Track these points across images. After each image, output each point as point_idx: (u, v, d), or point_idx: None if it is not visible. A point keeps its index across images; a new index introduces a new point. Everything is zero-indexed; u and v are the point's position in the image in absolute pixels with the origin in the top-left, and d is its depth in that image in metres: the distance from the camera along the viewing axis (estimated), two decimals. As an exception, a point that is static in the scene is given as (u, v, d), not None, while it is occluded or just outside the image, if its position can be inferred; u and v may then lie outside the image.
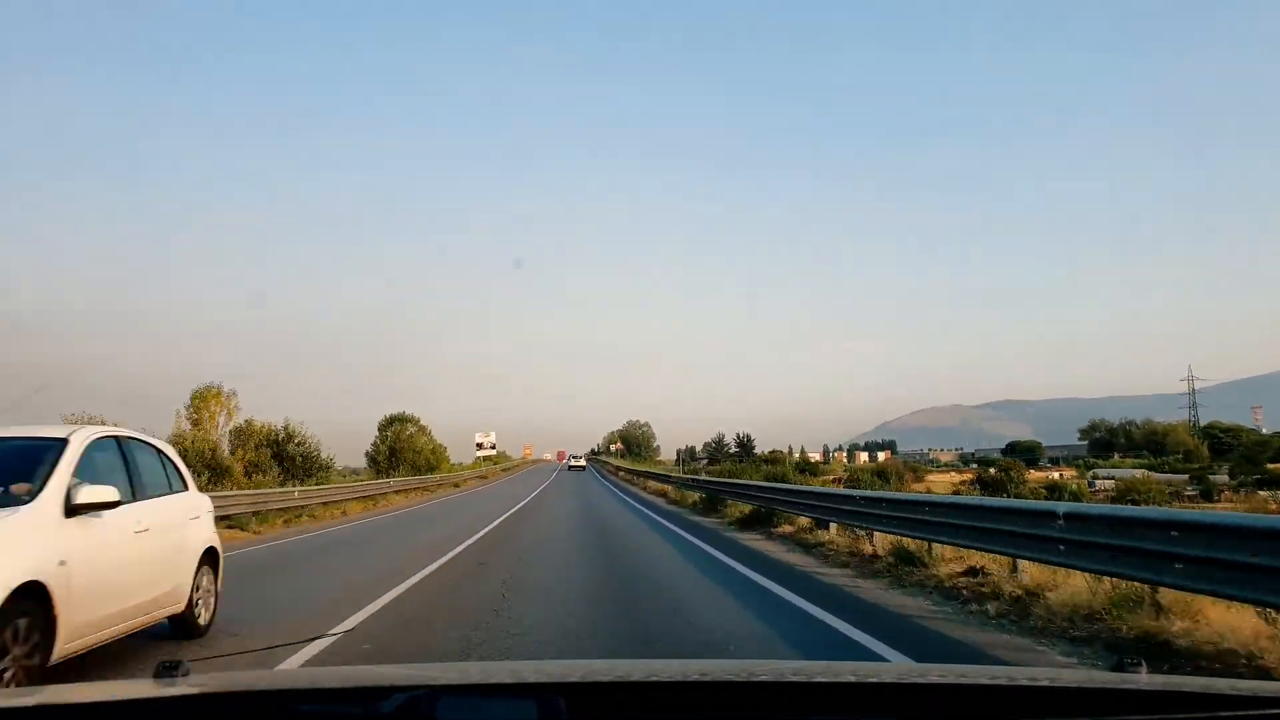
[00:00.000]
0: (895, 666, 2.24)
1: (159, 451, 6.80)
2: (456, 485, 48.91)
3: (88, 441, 5.47)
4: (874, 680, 1.74)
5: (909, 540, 10.21)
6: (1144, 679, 1.59)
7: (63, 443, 5.25)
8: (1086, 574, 6.99)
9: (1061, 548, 6.98)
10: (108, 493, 5.11)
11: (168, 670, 1.73)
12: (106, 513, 5.16)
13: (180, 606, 6.40)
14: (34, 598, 4.31)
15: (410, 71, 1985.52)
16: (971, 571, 8.88)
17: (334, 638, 6.64)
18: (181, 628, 6.57)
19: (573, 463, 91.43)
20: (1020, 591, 7.70)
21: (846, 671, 1.84)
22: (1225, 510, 29.76)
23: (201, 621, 6.78)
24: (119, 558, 5.39)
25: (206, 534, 7.09)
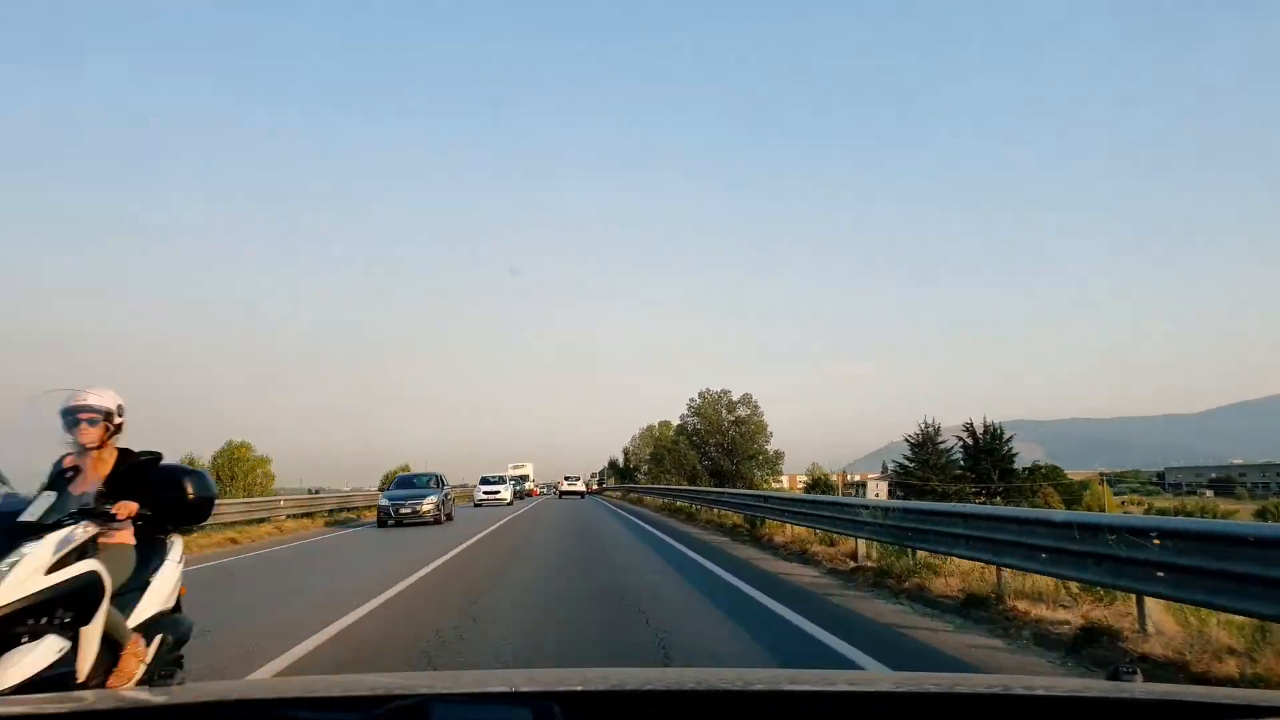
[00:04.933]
0: (891, 675, 2.20)
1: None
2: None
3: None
4: (869, 689, 1.72)
5: None
6: (1139, 687, 1.58)
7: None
8: None
9: None
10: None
11: (162, 678, 1.74)
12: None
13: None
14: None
15: (409, 81, 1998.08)
16: None
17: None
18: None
19: (566, 487, 59.88)
20: None
21: (842, 680, 1.83)
22: None
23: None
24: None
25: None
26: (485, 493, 43.78)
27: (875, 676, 1.90)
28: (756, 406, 70.17)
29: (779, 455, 69.88)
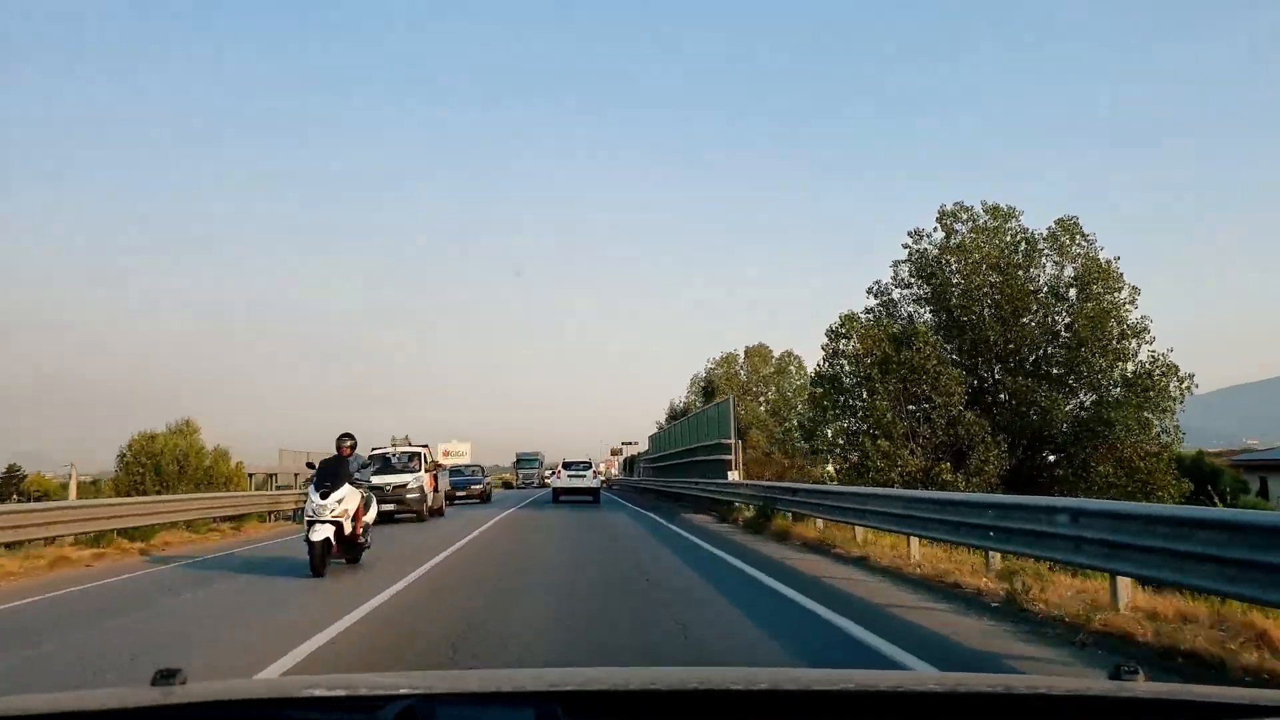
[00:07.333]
0: (894, 674, 2.21)
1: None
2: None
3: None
4: (872, 688, 1.72)
5: None
6: (1141, 686, 1.57)
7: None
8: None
9: None
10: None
11: (165, 678, 1.73)
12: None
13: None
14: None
15: (410, 75, 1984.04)
16: None
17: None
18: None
19: (566, 480, 34.88)
20: None
21: (845, 680, 1.82)
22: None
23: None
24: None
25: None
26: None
27: (878, 675, 1.89)
28: (1095, 251, 24.73)
29: (1175, 375, 23.18)
